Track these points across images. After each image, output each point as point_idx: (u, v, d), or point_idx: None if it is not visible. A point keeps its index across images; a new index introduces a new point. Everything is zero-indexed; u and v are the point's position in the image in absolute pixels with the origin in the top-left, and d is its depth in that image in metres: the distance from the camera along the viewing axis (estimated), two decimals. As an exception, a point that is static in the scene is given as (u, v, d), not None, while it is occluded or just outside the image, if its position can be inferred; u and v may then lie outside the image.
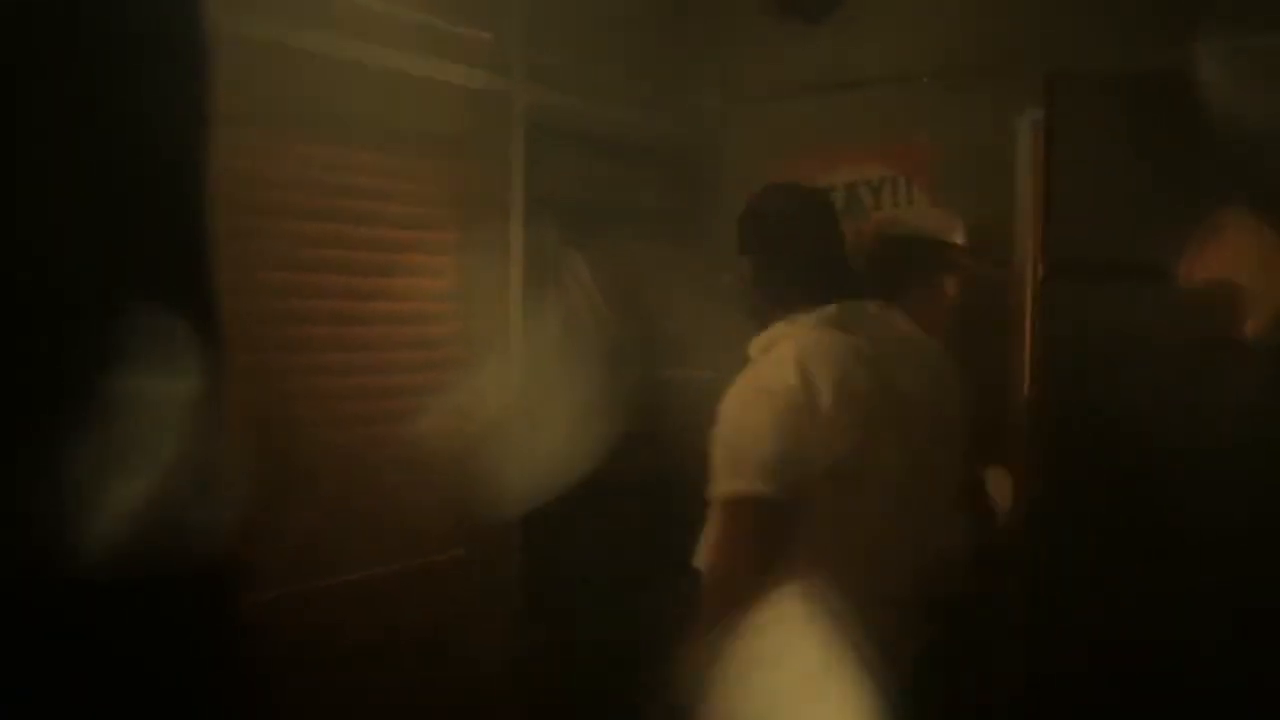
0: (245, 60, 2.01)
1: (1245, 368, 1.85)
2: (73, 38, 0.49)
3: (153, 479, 0.53)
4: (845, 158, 2.93)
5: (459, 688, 2.41)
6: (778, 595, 1.46)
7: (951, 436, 1.80)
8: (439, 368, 2.43)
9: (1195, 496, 1.80)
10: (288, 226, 2.12)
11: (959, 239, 2.42)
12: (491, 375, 2.54)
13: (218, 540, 0.57)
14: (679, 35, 3.11)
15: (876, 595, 1.54)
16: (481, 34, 2.45)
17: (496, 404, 2.55)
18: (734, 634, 1.46)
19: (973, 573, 1.87)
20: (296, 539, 2.14)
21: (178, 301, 0.56)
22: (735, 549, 1.56)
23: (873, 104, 2.84)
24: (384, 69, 2.24)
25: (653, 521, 2.79)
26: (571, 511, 2.52)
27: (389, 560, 2.31)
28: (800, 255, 1.77)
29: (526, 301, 2.64)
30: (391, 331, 2.34)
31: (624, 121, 2.92)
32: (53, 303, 0.50)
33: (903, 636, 1.63)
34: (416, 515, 2.36)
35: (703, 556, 1.63)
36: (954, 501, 1.82)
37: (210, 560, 0.57)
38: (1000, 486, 2.30)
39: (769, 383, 1.62)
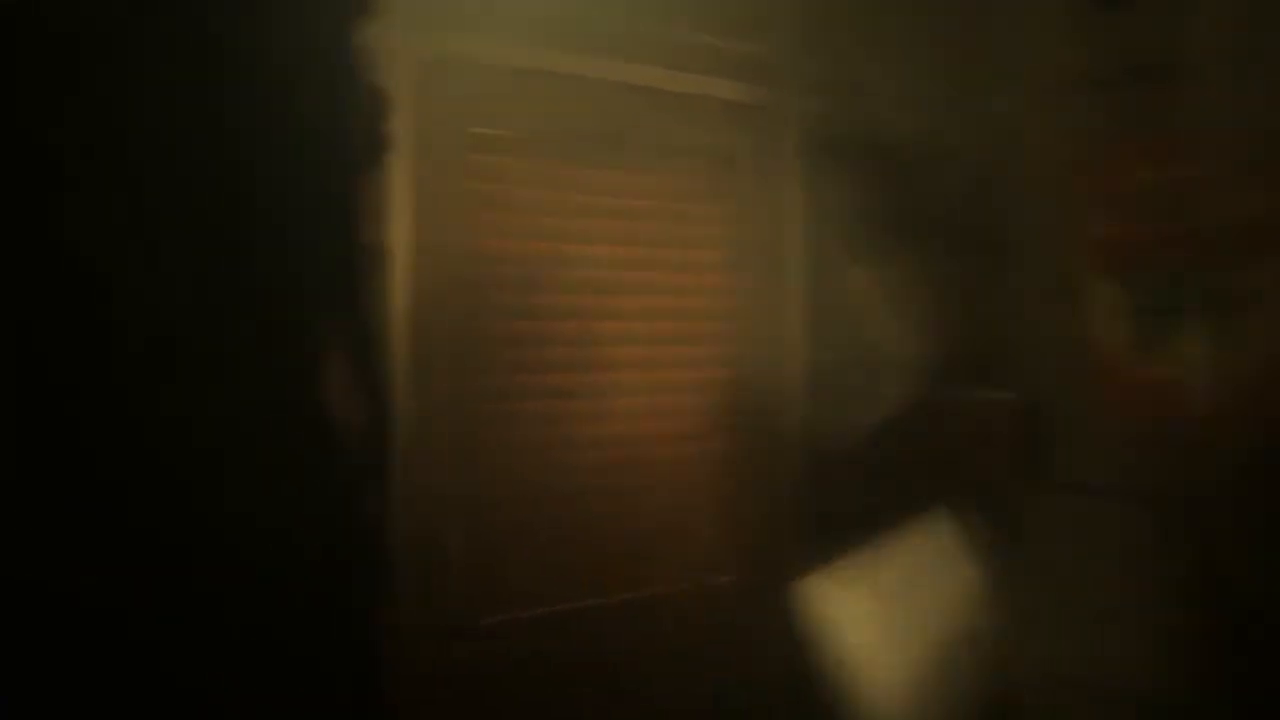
0: (510, 88, 2.08)
1: None
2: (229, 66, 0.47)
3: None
4: (1155, 155, 2.60)
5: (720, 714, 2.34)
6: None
7: None
8: (710, 389, 2.38)
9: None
10: (547, 249, 2.17)
11: None
12: (770, 397, 2.47)
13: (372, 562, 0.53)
14: (969, 34, 2.91)
15: None
16: (753, 47, 2.40)
17: (776, 427, 2.47)
18: None
19: None
20: (556, 562, 2.17)
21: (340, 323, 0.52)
22: None
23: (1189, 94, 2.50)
24: (651, 88, 2.25)
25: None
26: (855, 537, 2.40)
27: (655, 584, 2.28)
28: None
29: (809, 320, 2.55)
30: (659, 352, 2.32)
31: (910, 129, 2.76)
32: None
33: None
34: (686, 537, 2.32)
35: None
36: None
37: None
38: None
39: None
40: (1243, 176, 2.43)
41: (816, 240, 2.57)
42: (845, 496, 2.45)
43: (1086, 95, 2.74)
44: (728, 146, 2.40)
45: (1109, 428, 2.68)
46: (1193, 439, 2.35)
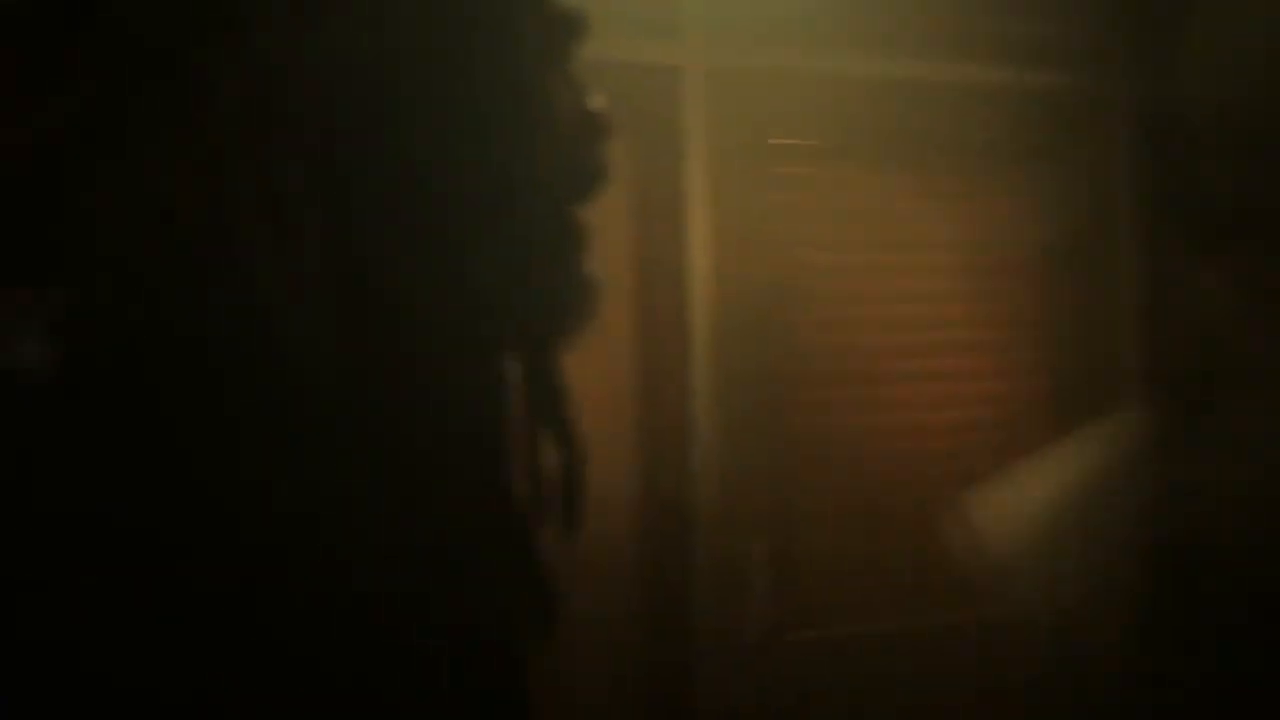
0: (807, 95, 2.06)
1: None
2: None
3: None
4: None
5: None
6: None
7: None
8: (1034, 401, 2.22)
9: None
10: (856, 258, 2.12)
11: None
12: (1098, 408, 2.25)
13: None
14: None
15: None
16: (1067, 30, 2.23)
17: (1108, 446, 2.25)
18: None
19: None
20: (864, 582, 2.09)
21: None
22: None
23: None
24: (956, 84, 2.16)
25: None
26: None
27: (972, 608, 2.13)
28: None
29: (1144, 326, 2.31)
30: (976, 363, 2.22)
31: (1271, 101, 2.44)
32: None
33: None
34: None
35: None
36: None
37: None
38: None
39: None
40: None
41: (1152, 237, 2.33)
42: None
43: None
44: (1040, 140, 2.24)
45: None
46: None
